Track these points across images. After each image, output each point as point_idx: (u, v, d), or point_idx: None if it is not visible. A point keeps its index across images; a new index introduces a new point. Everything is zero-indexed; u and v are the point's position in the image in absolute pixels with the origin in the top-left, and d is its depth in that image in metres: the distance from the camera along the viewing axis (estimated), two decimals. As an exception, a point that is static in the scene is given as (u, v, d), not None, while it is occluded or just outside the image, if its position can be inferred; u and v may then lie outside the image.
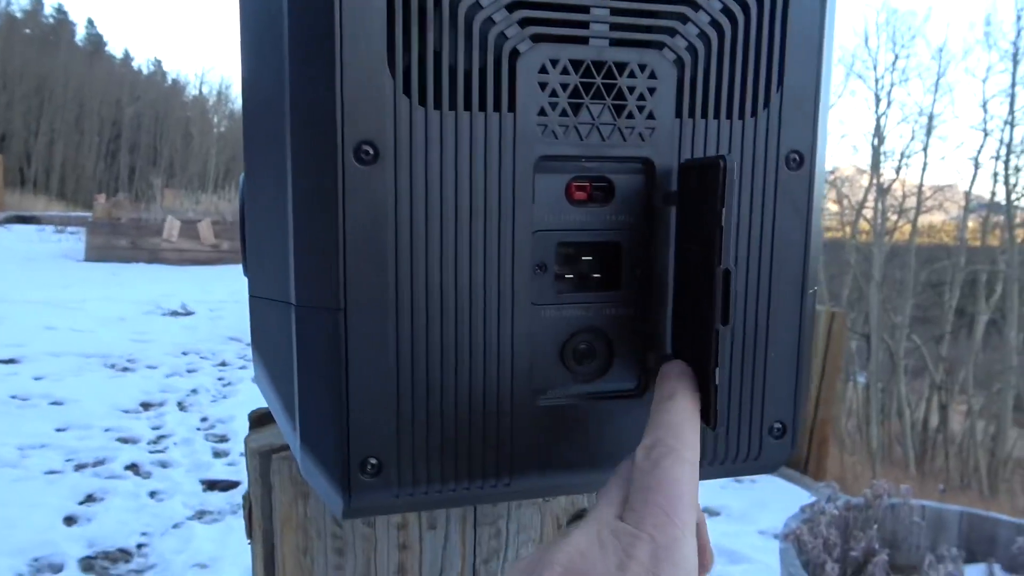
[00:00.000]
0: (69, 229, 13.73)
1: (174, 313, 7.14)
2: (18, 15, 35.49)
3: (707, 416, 0.35)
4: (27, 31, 35.75)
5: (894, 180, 13.56)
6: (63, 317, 6.56)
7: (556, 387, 0.39)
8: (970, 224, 13.61)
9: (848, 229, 14.11)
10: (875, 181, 13.34)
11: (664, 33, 0.38)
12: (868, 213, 13.62)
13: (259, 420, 0.65)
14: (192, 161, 34.95)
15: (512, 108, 0.36)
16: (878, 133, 13.15)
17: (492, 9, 0.35)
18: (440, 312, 0.36)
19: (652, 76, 0.38)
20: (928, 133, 12.97)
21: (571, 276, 0.39)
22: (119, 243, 10.57)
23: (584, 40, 0.36)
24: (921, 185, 13.76)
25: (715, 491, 3.66)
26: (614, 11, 0.37)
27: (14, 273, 8.94)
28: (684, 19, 0.38)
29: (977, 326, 12.40)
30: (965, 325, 13.31)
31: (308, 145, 0.35)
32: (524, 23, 0.35)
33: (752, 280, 0.40)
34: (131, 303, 7.40)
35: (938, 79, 12.78)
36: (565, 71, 0.36)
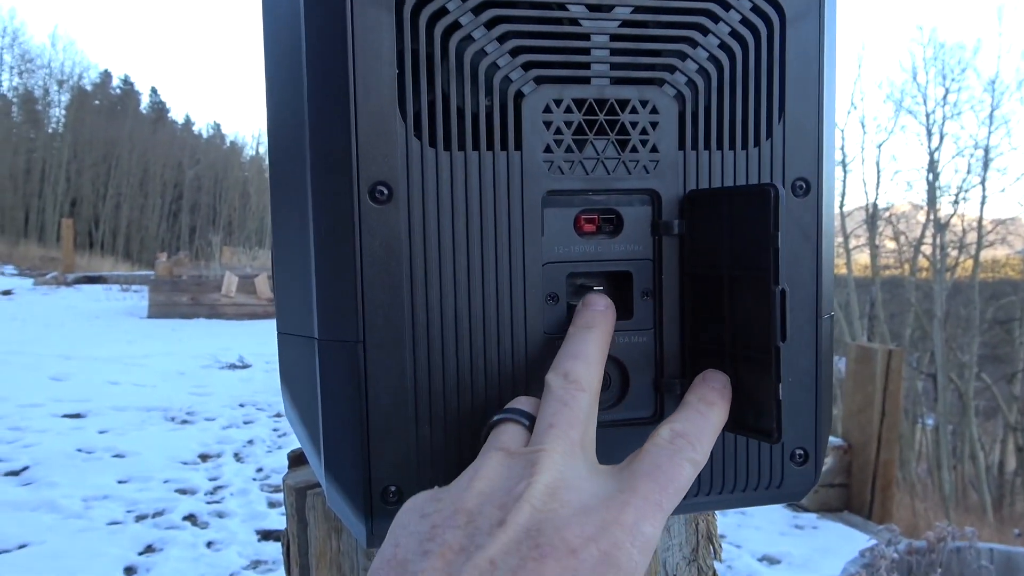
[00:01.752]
0: (133, 287, 14.25)
1: (232, 366, 7.31)
2: (88, 88, 37.57)
3: (769, 431, 0.36)
4: (96, 102, 37.77)
5: (952, 215, 13.21)
6: (126, 372, 6.77)
7: (573, 416, 0.40)
8: (1037, 257, 13.11)
9: (907, 266, 13.74)
10: (932, 217, 13.01)
11: (664, 70, 0.39)
12: (927, 249, 13.26)
13: (298, 459, 0.67)
14: (250, 219, 36.11)
15: (519, 147, 0.38)
16: (932, 168, 12.88)
17: (496, 55, 0.37)
18: (455, 343, 0.38)
19: (654, 111, 0.39)
20: (985, 167, 12.65)
21: None
22: (180, 300, 10.91)
23: (586, 80, 0.38)
24: (981, 219, 13.37)
25: (776, 538, 3.54)
26: (614, 51, 0.38)
27: (82, 331, 9.30)
28: (683, 56, 0.39)
29: (1051, 363, 11.86)
30: (1038, 362, 12.74)
31: (327, 187, 0.37)
32: (527, 66, 0.37)
33: None
34: (191, 357, 7.61)
35: (992, 111, 12.51)
36: (568, 110, 0.38)
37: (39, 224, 31.72)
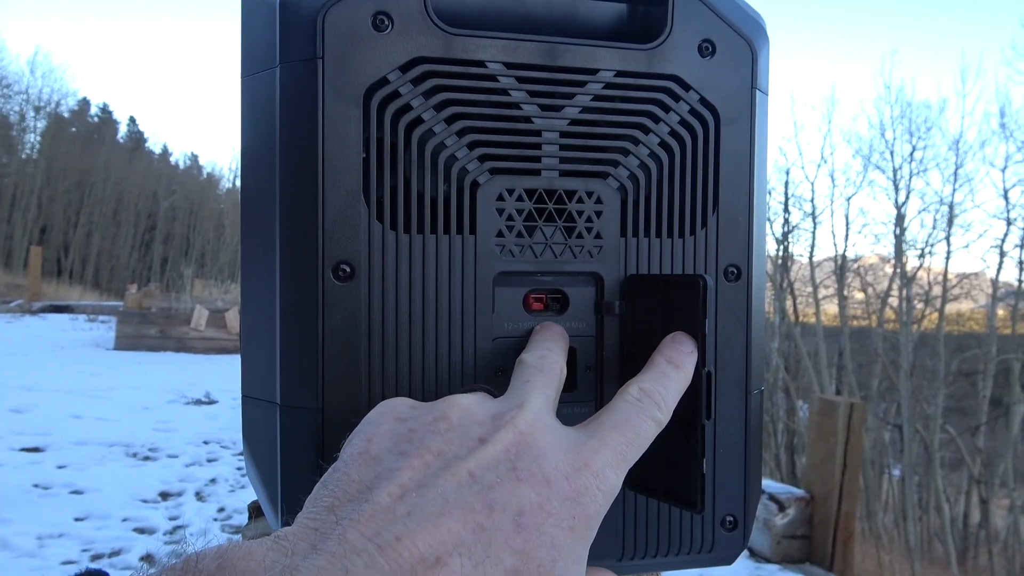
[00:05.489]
0: (101, 318, 14.04)
1: (198, 402, 7.21)
2: (65, 115, 37.37)
3: (694, 502, 0.38)
4: (73, 129, 37.55)
5: (918, 268, 13.51)
6: (89, 406, 6.64)
7: (518, 481, 0.43)
8: (999, 312, 13.42)
9: (875, 318, 13.98)
10: (899, 270, 13.30)
11: (608, 165, 0.43)
12: (894, 301, 13.52)
13: (258, 510, 0.68)
14: (223, 251, 35.85)
15: (473, 231, 0.41)
16: (899, 223, 13.20)
17: (455, 147, 0.41)
18: None
19: (598, 201, 0.43)
20: (949, 223, 12.99)
21: None
22: (148, 332, 10.76)
23: (537, 172, 0.42)
24: (946, 273, 13.68)
25: (739, 589, 3.54)
26: (563, 147, 0.42)
27: (45, 361, 9.12)
28: (626, 152, 0.43)
29: (1014, 416, 12.05)
30: (1001, 415, 12.96)
31: (293, 263, 0.40)
32: (483, 158, 0.41)
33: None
34: (156, 392, 7.49)
35: (956, 169, 12.90)
36: (520, 198, 0.42)
37: (6, 250, 31.24)
